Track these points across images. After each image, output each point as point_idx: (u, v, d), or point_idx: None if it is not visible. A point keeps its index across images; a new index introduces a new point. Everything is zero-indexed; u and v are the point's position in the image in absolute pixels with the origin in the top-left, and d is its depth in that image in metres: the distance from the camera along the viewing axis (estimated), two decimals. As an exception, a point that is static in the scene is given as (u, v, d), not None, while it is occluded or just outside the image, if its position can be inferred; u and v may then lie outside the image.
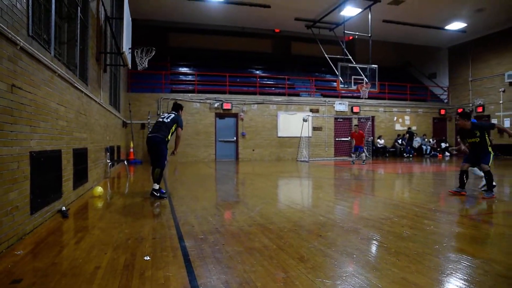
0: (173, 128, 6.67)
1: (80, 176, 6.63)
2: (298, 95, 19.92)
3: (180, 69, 20.69)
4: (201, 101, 17.53)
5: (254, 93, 18.82)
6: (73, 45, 6.50)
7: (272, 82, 20.75)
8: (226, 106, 17.65)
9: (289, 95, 19.37)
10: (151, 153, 6.80)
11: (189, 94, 17.48)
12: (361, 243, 3.75)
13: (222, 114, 17.91)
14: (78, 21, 6.55)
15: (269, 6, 16.14)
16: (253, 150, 18.19)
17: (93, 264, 3.06)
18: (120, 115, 13.47)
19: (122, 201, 6.40)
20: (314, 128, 19.02)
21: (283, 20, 18.28)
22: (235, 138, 18.14)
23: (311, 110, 19.03)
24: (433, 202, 6.28)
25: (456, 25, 18.82)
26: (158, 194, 6.45)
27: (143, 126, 16.62)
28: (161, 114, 7.01)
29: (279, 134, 18.54)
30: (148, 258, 3.23)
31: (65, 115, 5.59)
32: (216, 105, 17.61)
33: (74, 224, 4.69)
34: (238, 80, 19.63)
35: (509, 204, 6.28)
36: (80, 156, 6.62)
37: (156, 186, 6.53)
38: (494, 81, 20.29)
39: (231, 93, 18.35)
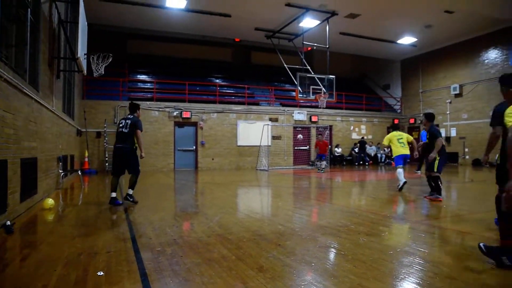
0: (134, 135, 6.76)
1: (29, 188, 6.27)
2: (257, 104, 20.05)
3: (138, 76, 20.22)
4: (160, 109, 17.21)
5: (213, 102, 18.75)
6: (23, 49, 6.19)
7: (232, 91, 20.77)
8: (186, 114, 17.44)
9: (249, 104, 19.46)
10: (119, 163, 6.84)
11: (148, 102, 17.10)
12: (319, 251, 3.79)
13: (181, 123, 17.66)
14: (28, 24, 6.25)
15: (229, 16, 16.22)
16: (213, 159, 18.06)
17: (41, 283, 2.88)
18: (74, 123, 12.94)
19: (75, 213, 6.12)
20: (273, 137, 19.19)
21: (244, 29, 18.43)
22: (194, 147, 17.92)
23: (270, 119, 19.21)
24: (388, 208, 6.50)
25: (407, 40, 19.79)
26: (132, 199, 6.78)
27: (98, 134, 16.05)
28: (119, 122, 6.95)
29: (239, 143, 18.54)
30: (102, 273, 3.09)
31: (12, 123, 5.29)
32: (175, 114, 17.35)
33: (20, 239, 4.41)
34: (197, 88, 19.48)
35: (455, 209, 6.59)
36: (29, 166, 6.26)
37: (131, 191, 6.80)
38: (442, 93, 21.49)
39: (190, 101, 18.16)
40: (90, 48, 10.69)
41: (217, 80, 21.76)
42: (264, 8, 15.51)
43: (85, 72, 10.22)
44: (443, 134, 21.27)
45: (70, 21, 10.23)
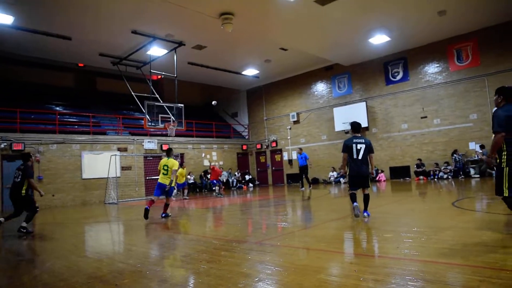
0: (25, 182, 8.02)
1: None
2: (104, 133, 18.89)
3: (-50, 100, 16.94)
4: (-18, 140, 14.72)
5: (53, 132, 16.92)
6: None
7: (75, 120, 19.14)
8: (17, 146, 15.28)
9: (95, 133, 18.16)
10: (15, 205, 8.17)
11: (-37, 133, 14.46)
12: (158, 286, 3.71)
13: (11, 156, 15.36)
14: None
15: (69, 38, 15.07)
16: (53, 195, 16.13)
17: None
18: None
19: None
20: (123, 168, 18.25)
21: (87, 54, 17.33)
22: (29, 183, 15.73)
23: (119, 149, 18.26)
24: (232, 233, 6.78)
25: (251, 71, 21.52)
26: (25, 231, 7.93)
27: None
28: (15, 172, 8.19)
29: (84, 176, 17.03)
30: None
31: None
32: (3, 146, 15.04)
33: None
34: (32, 116, 17.35)
35: (291, 227, 7.27)
36: None
37: (24, 224, 7.98)
38: (283, 120, 23.88)
39: (23, 131, 16.00)
40: None
41: (58, 108, 19.83)
42: (109, 33, 14.96)
43: None
44: (286, 158, 23.56)
45: None
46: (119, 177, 17.65)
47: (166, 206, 9.58)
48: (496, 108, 4.79)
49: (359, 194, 7.18)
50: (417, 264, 3.84)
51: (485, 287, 3.03)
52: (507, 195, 4.55)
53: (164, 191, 9.39)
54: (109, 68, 18.90)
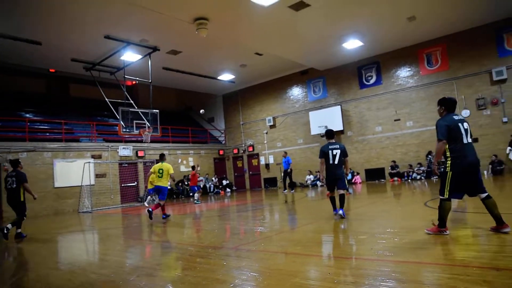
0: (21, 187, 8.43)
1: None
2: (78, 140, 18.44)
3: None
4: None
5: (23, 139, 16.39)
6: None
7: (46, 127, 18.60)
8: (-16, 155, 14.76)
9: (67, 140, 17.68)
10: (15, 209, 8.61)
11: None
12: (131, 296, 3.65)
13: (-22, 166, 14.83)
14: None
15: (39, 43, 14.67)
16: (24, 205, 15.60)
17: None
18: None
19: None
20: (97, 175, 17.84)
21: (58, 59, 16.89)
22: (-3, 193, 15.21)
23: (93, 156, 17.86)
24: (208, 239, 6.73)
25: (226, 76, 21.50)
26: (6, 232, 8.17)
27: None
28: (6, 180, 8.57)
29: (57, 185, 16.53)
30: None
31: None
32: (-31, 155, 14.50)
33: None
34: (0, 124, 16.78)
35: (268, 231, 7.28)
36: None
37: (10, 226, 8.32)
38: (259, 125, 23.95)
39: (-9, 140, 15.49)
40: None
41: (28, 115, 19.23)
42: (81, 38, 14.63)
43: None
44: (263, 162, 23.63)
45: None
46: (93, 185, 17.26)
47: (160, 206, 10.48)
48: (439, 118, 5.15)
49: (337, 196, 7.55)
50: (390, 265, 3.91)
51: (454, 284, 3.11)
52: (447, 196, 4.96)
53: (163, 192, 10.41)
54: (82, 73, 18.47)
